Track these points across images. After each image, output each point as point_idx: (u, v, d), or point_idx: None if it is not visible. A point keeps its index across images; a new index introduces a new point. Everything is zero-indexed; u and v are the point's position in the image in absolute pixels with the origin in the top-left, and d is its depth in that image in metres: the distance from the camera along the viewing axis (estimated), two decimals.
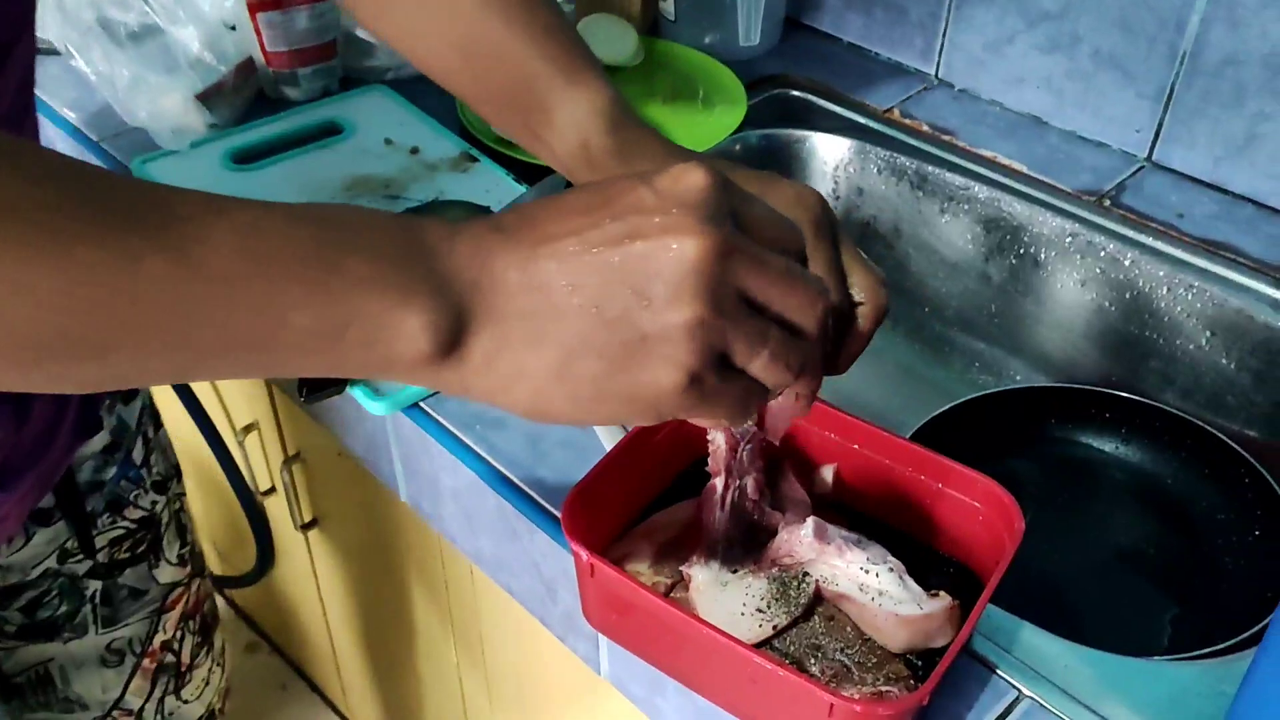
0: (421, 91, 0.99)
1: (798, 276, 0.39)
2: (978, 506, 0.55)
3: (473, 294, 0.37)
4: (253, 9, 0.90)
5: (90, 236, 0.33)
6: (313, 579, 1.20)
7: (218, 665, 0.85)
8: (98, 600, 0.72)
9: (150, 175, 0.86)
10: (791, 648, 0.52)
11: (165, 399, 1.29)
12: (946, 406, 0.81)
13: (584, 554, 0.51)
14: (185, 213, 0.35)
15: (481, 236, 0.38)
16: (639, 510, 0.59)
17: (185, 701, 0.81)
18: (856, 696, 0.49)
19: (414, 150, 0.91)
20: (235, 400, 1.08)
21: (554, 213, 0.38)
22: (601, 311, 0.37)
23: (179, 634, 0.79)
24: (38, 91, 0.97)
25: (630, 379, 0.37)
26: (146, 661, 0.77)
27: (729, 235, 0.37)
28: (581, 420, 0.39)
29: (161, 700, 0.79)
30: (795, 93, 1.03)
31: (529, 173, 0.88)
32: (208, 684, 0.83)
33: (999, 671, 0.55)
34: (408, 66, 1.01)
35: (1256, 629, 0.63)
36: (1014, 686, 0.54)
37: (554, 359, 0.37)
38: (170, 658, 0.79)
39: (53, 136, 0.96)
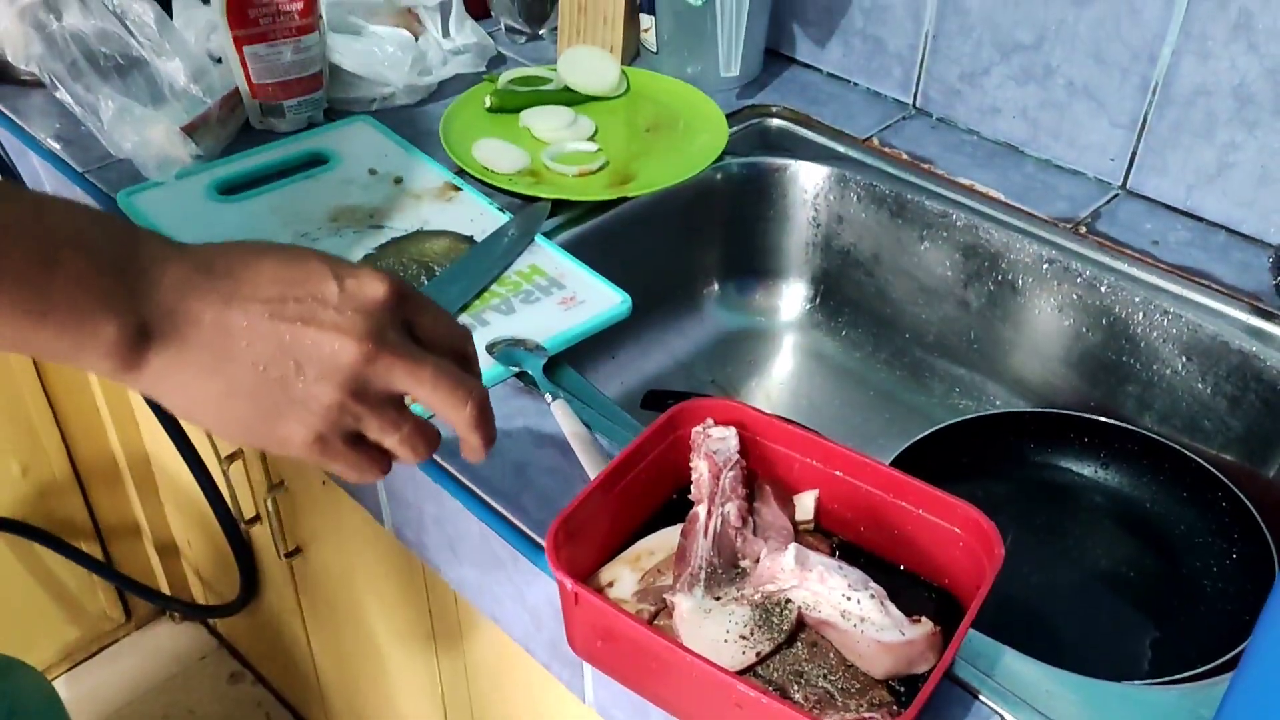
0: (405, 121, 1.00)
1: (443, 377, 0.47)
2: (958, 532, 0.55)
3: (165, 317, 0.44)
4: (239, 42, 0.91)
5: None
6: (296, 608, 1.19)
7: None
8: None
9: (136, 207, 0.86)
10: (775, 674, 0.52)
11: (151, 427, 1.29)
12: (927, 431, 0.82)
13: (568, 582, 0.51)
14: None
15: (189, 273, 0.44)
16: (623, 538, 0.59)
17: None
18: None
19: (398, 180, 0.91)
20: None
21: (254, 274, 0.45)
22: (265, 369, 0.45)
23: None
24: (22, 123, 0.98)
25: (271, 426, 0.46)
26: None
27: (384, 345, 0.46)
28: (240, 443, 0.47)
29: None
30: (775, 122, 1.04)
31: (512, 202, 0.89)
32: None
33: (981, 697, 0.55)
34: (393, 97, 1.02)
35: (1235, 653, 0.63)
36: (996, 712, 0.55)
37: (218, 391, 0.45)
38: None
39: (37, 168, 0.96)
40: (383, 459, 0.50)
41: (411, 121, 1.00)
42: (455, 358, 0.50)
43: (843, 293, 1.02)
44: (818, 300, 1.04)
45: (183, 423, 0.46)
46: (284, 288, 0.45)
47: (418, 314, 0.48)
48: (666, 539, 0.59)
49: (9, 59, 0.98)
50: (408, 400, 0.49)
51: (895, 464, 0.79)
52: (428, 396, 0.47)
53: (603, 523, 0.57)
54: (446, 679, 0.95)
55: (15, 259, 0.40)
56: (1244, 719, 0.35)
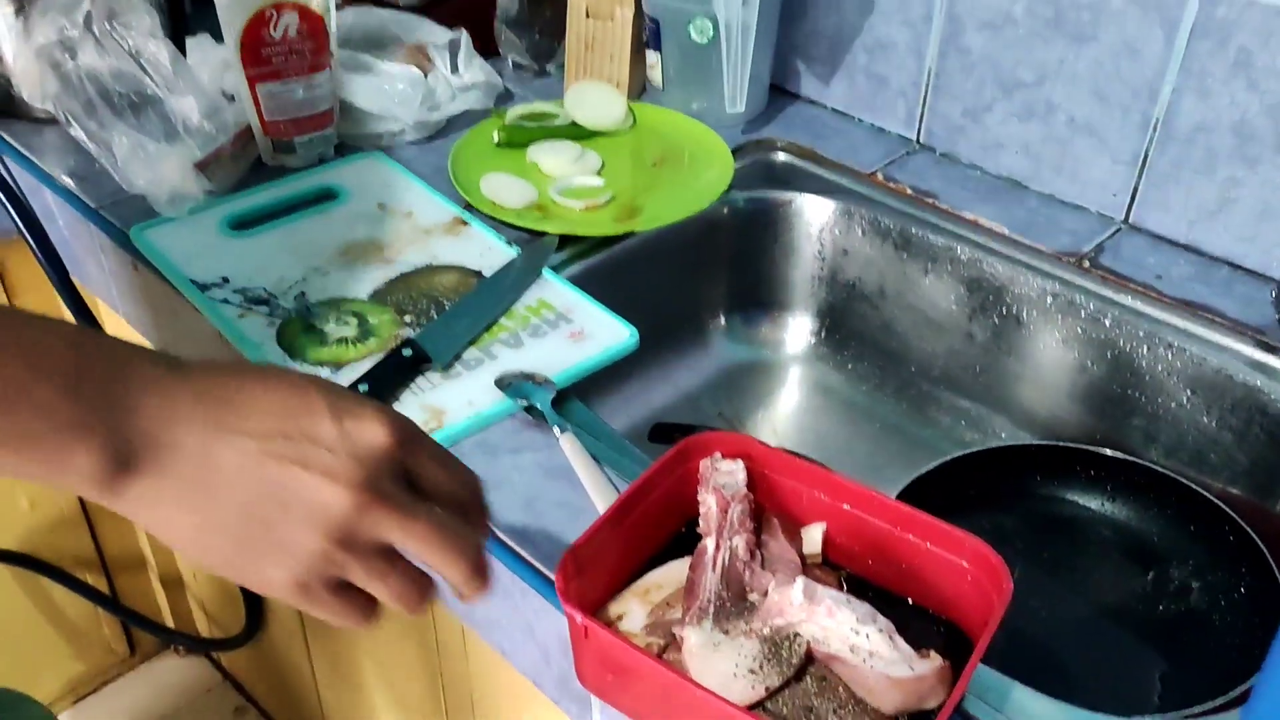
0: (415, 157, 1.01)
1: (436, 533, 0.45)
2: (966, 566, 0.56)
3: (147, 445, 0.42)
4: (252, 81, 0.92)
5: None
6: (302, 641, 1.19)
7: None
8: None
9: (149, 242, 0.87)
10: (785, 709, 0.52)
11: None
12: (933, 464, 0.82)
13: (578, 616, 0.51)
14: None
15: (178, 399, 0.43)
16: (632, 571, 0.59)
17: None
18: None
19: (408, 214, 0.92)
20: None
21: (249, 402, 0.44)
22: (249, 508, 0.43)
23: None
24: (37, 159, 0.99)
25: (252, 565, 0.44)
26: None
27: (377, 495, 0.44)
28: (220, 575, 0.44)
29: None
30: (781, 156, 1.05)
31: (519, 236, 0.90)
32: None
33: None
34: (403, 133, 1.03)
35: (1244, 687, 0.63)
36: None
37: (198, 524, 0.43)
38: None
39: (51, 204, 0.97)
40: (369, 605, 0.47)
41: (421, 157, 1.01)
42: (457, 506, 0.48)
43: (848, 326, 1.03)
44: (824, 333, 1.05)
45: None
46: (278, 421, 0.43)
47: (421, 460, 0.46)
48: (675, 572, 0.59)
49: (25, 97, 0.99)
50: None
51: (902, 497, 0.79)
52: (419, 551, 0.45)
53: (611, 556, 0.57)
54: (453, 714, 0.94)
55: None
56: None
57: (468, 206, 0.93)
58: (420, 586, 0.47)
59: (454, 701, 0.92)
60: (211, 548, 0.44)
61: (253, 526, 0.43)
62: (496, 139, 1.02)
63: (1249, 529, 0.76)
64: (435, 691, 0.94)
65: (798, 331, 1.05)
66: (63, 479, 0.42)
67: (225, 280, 0.83)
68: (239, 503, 0.43)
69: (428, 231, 0.90)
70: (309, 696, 1.28)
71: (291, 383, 0.45)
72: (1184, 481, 0.80)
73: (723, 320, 1.05)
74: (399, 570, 0.46)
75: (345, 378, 0.74)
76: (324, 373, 0.75)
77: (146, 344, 0.77)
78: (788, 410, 1.02)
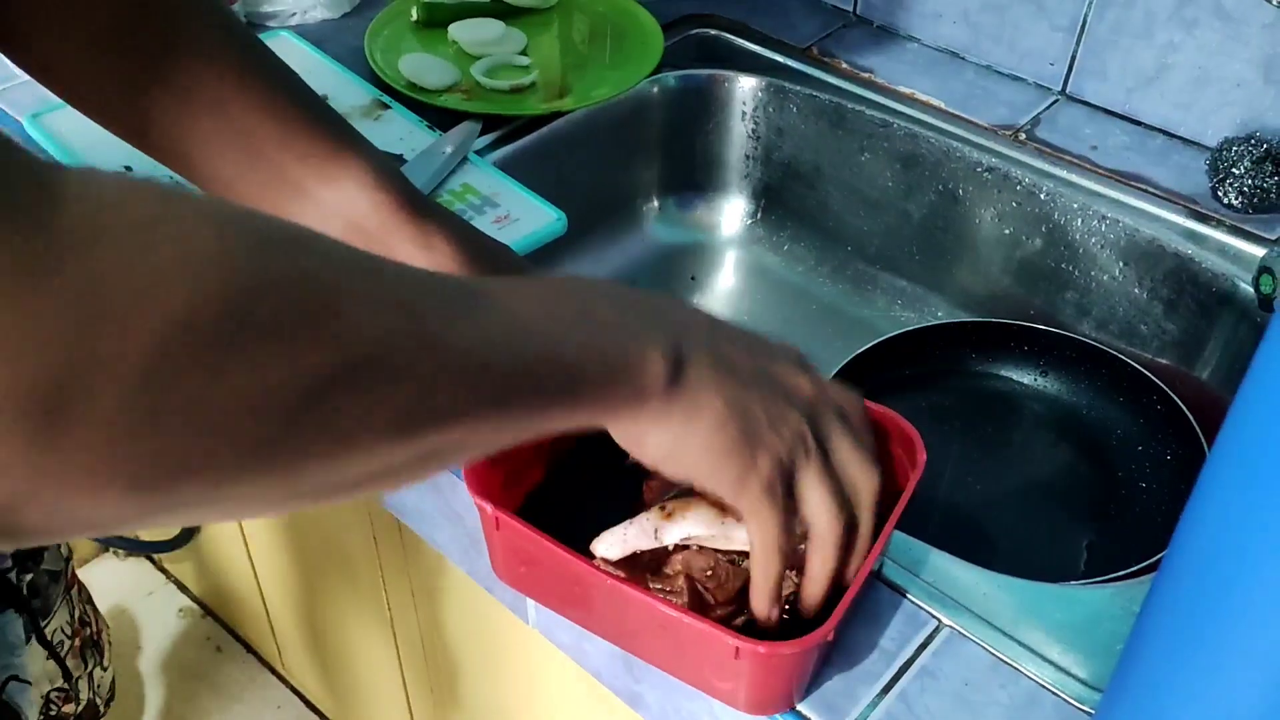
0: (328, 37, 0.96)
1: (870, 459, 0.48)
2: (884, 437, 0.55)
3: (689, 361, 0.43)
4: None
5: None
6: (241, 540, 1.18)
7: (104, 623, 0.83)
8: (27, 593, 0.70)
9: (46, 130, 0.82)
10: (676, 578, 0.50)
11: None
12: (870, 344, 0.82)
13: (488, 507, 0.50)
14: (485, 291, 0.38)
15: (690, 320, 0.45)
16: (548, 462, 0.58)
17: (105, 669, 0.79)
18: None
19: (323, 98, 0.88)
20: None
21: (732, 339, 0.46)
22: (739, 416, 0.44)
23: (86, 605, 0.77)
24: None
25: (736, 462, 0.44)
26: (76, 642, 0.74)
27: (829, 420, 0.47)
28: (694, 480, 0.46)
29: (90, 674, 0.77)
30: (713, 32, 1.02)
31: (442, 119, 0.86)
32: (110, 643, 0.82)
33: (917, 601, 0.56)
34: (313, 11, 0.97)
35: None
36: (934, 616, 0.55)
37: (716, 416, 0.44)
38: (89, 631, 0.77)
39: None
40: (798, 528, 0.48)
41: (335, 37, 0.96)
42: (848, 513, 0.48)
43: (784, 206, 1.01)
44: (759, 214, 1.03)
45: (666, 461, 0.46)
46: (754, 359, 0.46)
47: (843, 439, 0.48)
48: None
49: None
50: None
51: (839, 377, 0.79)
52: (824, 499, 0.46)
53: (527, 449, 0.56)
54: (395, 606, 0.94)
55: (578, 334, 0.40)
56: (1165, 613, 0.35)
57: (386, 89, 0.89)
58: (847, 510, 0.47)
59: (395, 594, 0.92)
60: (699, 462, 0.44)
61: (748, 421, 0.44)
62: (415, 17, 0.97)
63: (1176, 398, 0.76)
64: (376, 584, 0.94)
65: (732, 213, 1.03)
66: (636, 392, 0.41)
67: (128, 169, 0.79)
68: (733, 413, 0.44)
69: (345, 115, 0.85)
70: (252, 595, 1.27)
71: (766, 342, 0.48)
72: (1113, 353, 0.81)
73: (656, 203, 1.03)
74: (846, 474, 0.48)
75: None
76: None
77: None
78: (724, 293, 1.01)
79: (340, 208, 0.54)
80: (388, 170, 0.56)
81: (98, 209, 0.26)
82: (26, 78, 0.88)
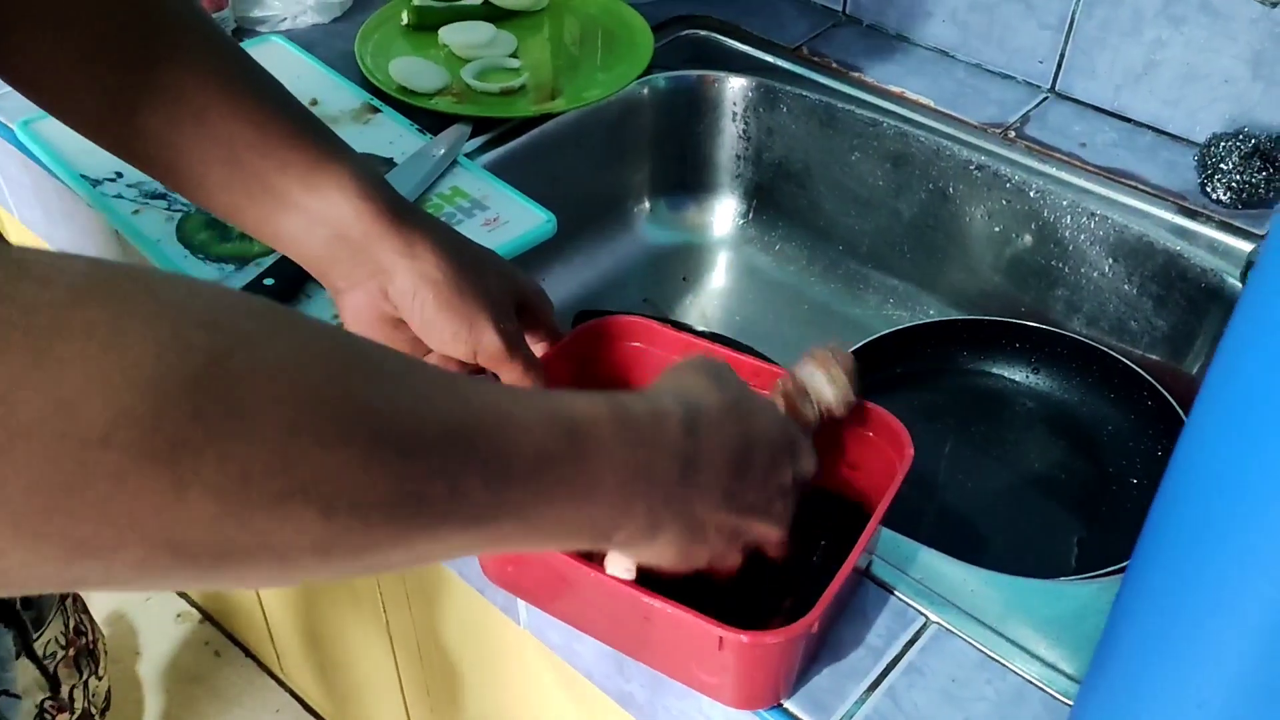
0: (319, 41, 0.96)
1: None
2: (872, 436, 0.55)
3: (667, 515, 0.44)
4: None
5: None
6: None
7: (99, 632, 0.83)
8: (19, 605, 0.70)
9: (38, 136, 0.82)
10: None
11: None
12: (861, 342, 0.82)
13: None
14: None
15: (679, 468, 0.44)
16: None
17: (100, 678, 0.79)
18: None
19: (313, 102, 0.88)
20: None
21: (708, 459, 0.45)
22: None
23: (82, 615, 0.77)
24: None
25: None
26: (71, 652, 0.75)
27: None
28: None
29: (85, 683, 0.77)
30: (702, 33, 1.02)
31: (433, 122, 0.86)
32: (105, 652, 0.82)
33: (905, 598, 0.56)
34: (303, 16, 0.98)
35: None
36: (921, 613, 0.55)
37: (673, 550, 0.45)
38: (84, 640, 0.77)
39: None
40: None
41: (325, 41, 0.97)
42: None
43: (776, 206, 1.01)
44: (750, 214, 1.03)
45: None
46: (730, 481, 0.46)
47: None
48: None
49: None
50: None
51: None
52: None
53: None
54: (390, 609, 0.94)
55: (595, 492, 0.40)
56: (1139, 603, 0.35)
57: (377, 93, 0.89)
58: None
59: (390, 598, 0.92)
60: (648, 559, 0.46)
61: (700, 546, 0.46)
62: (405, 20, 0.98)
63: (1165, 393, 0.76)
64: (372, 589, 0.94)
65: (724, 214, 1.03)
66: (607, 541, 0.43)
67: (119, 175, 0.79)
68: (690, 547, 0.45)
69: (335, 120, 0.86)
70: (249, 598, 1.27)
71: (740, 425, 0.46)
72: (1104, 349, 0.81)
73: (647, 204, 1.03)
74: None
75: (250, 274, 0.71)
76: (228, 268, 0.72)
77: (44, 245, 0.73)
78: (716, 293, 1.01)
79: (324, 216, 0.54)
80: (371, 178, 0.56)
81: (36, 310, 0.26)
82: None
